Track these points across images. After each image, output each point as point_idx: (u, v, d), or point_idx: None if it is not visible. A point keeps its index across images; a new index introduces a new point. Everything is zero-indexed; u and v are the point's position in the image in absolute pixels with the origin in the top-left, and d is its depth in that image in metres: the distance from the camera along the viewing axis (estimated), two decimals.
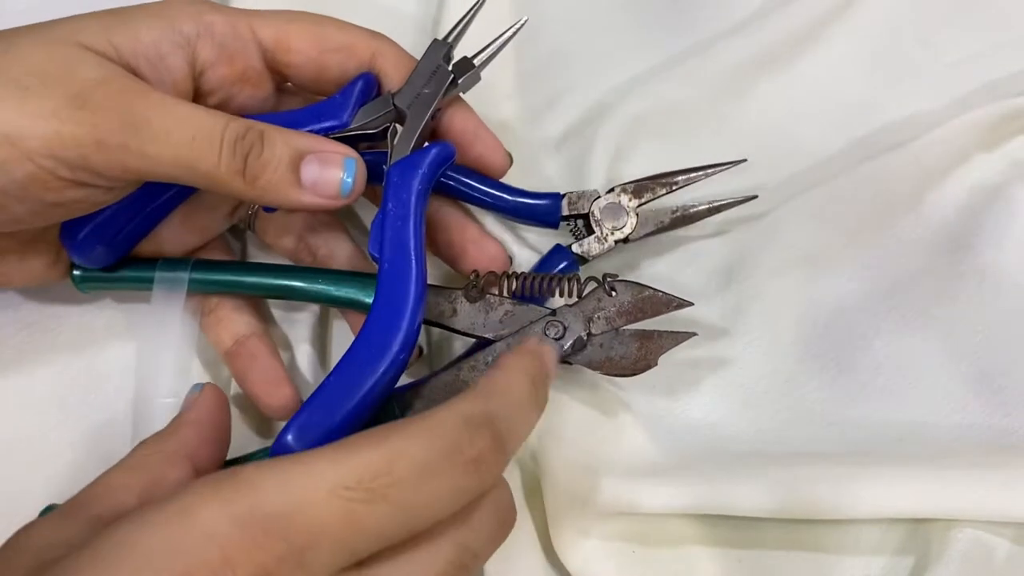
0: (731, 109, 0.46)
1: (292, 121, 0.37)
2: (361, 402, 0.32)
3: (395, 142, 0.37)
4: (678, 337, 0.37)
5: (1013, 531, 0.35)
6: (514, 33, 0.39)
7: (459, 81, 0.38)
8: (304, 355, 0.42)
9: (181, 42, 0.36)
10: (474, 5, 0.39)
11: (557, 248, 0.41)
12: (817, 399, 0.40)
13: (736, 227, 0.44)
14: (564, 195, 0.41)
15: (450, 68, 0.38)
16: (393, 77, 0.39)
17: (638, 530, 0.37)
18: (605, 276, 0.38)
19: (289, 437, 0.31)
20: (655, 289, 0.38)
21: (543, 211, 0.41)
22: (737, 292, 0.42)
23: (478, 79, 0.39)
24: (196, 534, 0.25)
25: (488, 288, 0.38)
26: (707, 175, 0.41)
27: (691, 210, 0.41)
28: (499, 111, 0.46)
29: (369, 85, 0.38)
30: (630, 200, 0.41)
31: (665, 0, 0.50)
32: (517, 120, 0.47)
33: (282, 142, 0.35)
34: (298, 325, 0.43)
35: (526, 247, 0.42)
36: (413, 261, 0.34)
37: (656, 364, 0.37)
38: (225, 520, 0.25)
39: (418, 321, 0.34)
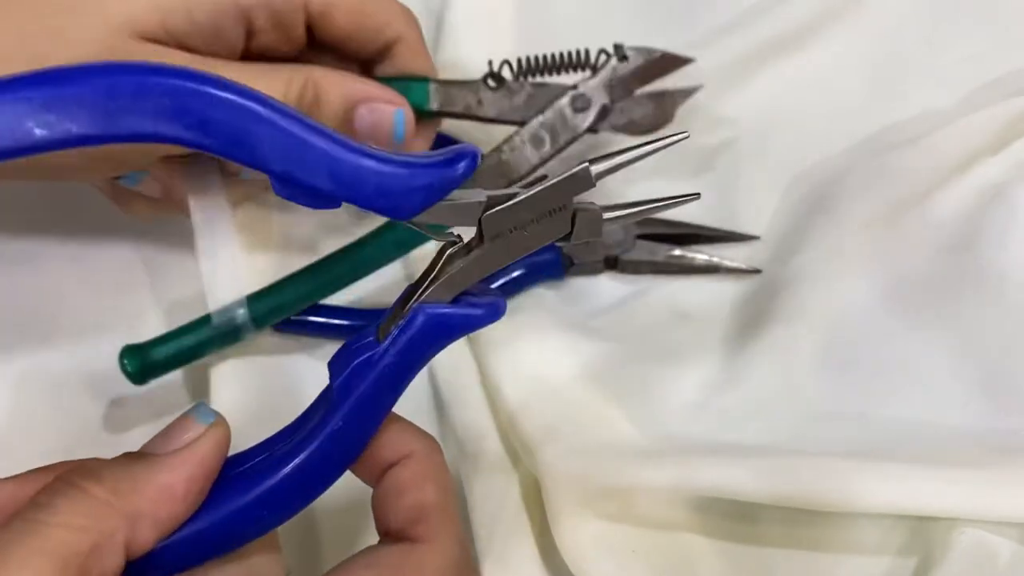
0: (732, 107, 0.46)
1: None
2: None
3: (442, 275, 0.28)
4: (687, 92, 0.42)
5: (1017, 532, 0.35)
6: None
7: (575, 226, 0.29)
8: None
9: (238, 16, 0.36)
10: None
11: (550, 248, 0.42)
12: (819, 397, 0.40)
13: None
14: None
15: (575, 206, 0.28)
16: (406, 64, 0.39)
17: (637, 528, 0.37)
18: (616, 47, 0.41)
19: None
20: (663, 51, 0.41)
21: None
22: (741, 290, 0.43)
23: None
24: None
25: (503, 78, 0.40)
26: (715, 239, 0.43)
27: (690, 260, 0.42)
28: None
29: (472, 167, 0.28)
30: (632, 228, 0.42)
31: None
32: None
33: (336, 94, 0.36)
34: None
35: None
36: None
37: (673, 119, 0.41)
38: None
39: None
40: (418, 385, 0.39)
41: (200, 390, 0.40)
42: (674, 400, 0.40)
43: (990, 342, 0.40)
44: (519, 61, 0.40)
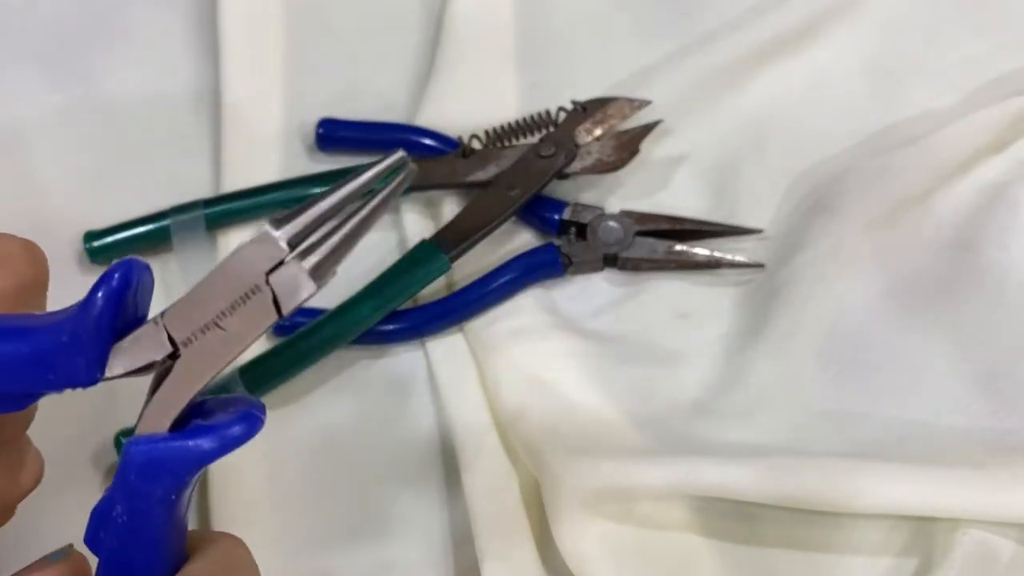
0: (733, 105, 0.46)
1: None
2: None
3: (152, 398, 0.24)
4: (648, 128, 0.43)
5: (1018, 532, 0.35)
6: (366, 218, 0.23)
7: (283, 312, 0.23)
8: None
9: None
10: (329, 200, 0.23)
11: (549, 247, 0.42)
12: (819, 397, 0.40)
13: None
14: (569, 204, 0.43)
15: (271, 286, 0.22)
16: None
17: (638, 528, 0.37)
18: (573, 102, 0.43)
19: None
20: (616, 97, 0.43)
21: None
22: (741, 289, 0.43)
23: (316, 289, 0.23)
24: None
25: (474, 148, 0.43)
26: (717, 234, 0.42)
27: (691, 256, 0.42)
28: (499, 107, 0.46)
29: (126, 286, 0.23)
30: (632, 224, 0.42)
31: None
32: (517, 116, 0.45)
33: None
34: None
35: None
36: None
37: (639, 151, 0.42)
38: None
39: None
40: (418, 385, 0.41)
41: None
42: (674, 400, 0.40)
43: (991, 342, 0.39)
44: (487, 132, 0.43)
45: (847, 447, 0.37)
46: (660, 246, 0.42)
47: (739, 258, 0.42)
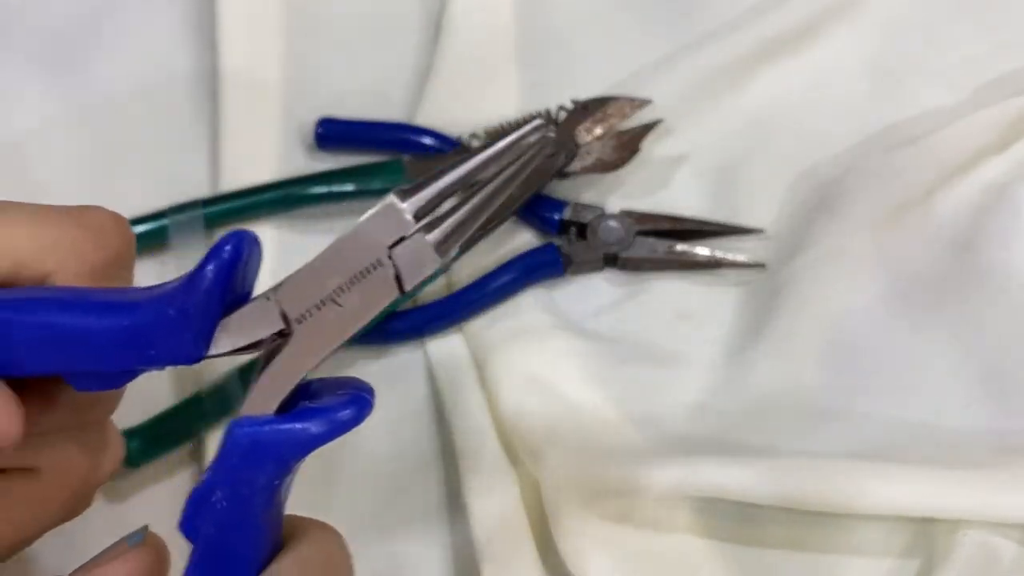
0: (734, 105, 0.46)
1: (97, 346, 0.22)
2: None
3: (261, 376, 0.23)
4: (648, 127, 0.43)
5: (1020, 533, 0.35)
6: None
7: (404, 288, 0.22)
8: None
9: None
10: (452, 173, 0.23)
11: (549, 247, 0.42)
12: (821, 397, 0.39)
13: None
14: (569, 204, 0.43)
15: (393, 261, 0.22)
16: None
17: (638, 530, 0.37)
18: (574, 101, 0.43)
19: None
20: (616, 96, 0.43)
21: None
22: (742, 289, 0.43)
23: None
24: None
25: (474, 148, 0.43)
26: (718, 233, 0.42)
27: (691, 256, 0.42)
28: (499, 106, 0.46)
29: (237, 258, 0.22)
30: (632, 224, 0.42)
31: None
32: (517, 115, 0.45)
33: None
34: None
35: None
36: None
37: (640, 150, 0.42)
38: None
39: None
40: (418, 386, 0.41)
41: None
42: (675, 400, 0.40)
43: (993, 342, 0.39)
44: (487, 131, 0.43)
45: (847, 447, 0.37)
46: (661, 246, 0.42)
47: (740, 258, 0.42)
